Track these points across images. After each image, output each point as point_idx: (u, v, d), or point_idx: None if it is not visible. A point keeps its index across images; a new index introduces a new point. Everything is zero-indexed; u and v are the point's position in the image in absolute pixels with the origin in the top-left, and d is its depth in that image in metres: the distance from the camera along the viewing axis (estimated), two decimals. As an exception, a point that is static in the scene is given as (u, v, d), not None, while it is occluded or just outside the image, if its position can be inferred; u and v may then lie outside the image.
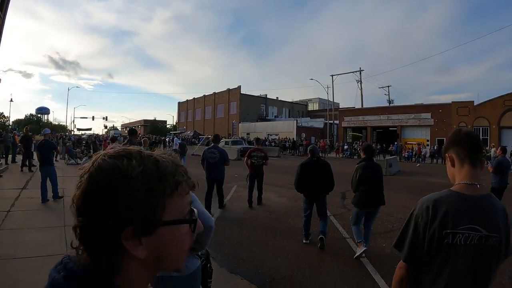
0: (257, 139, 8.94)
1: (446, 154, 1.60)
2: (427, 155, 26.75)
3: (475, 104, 29.43)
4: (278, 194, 9.79)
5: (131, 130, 8.03)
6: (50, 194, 7.90)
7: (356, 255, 4.74)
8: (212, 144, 7.60)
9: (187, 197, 0.61)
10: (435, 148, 27.44)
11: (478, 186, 1.47)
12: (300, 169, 5.37)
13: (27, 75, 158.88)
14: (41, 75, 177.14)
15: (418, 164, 23.98)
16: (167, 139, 40.08)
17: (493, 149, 21.64)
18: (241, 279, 4.06)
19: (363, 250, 4.67)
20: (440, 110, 30.99)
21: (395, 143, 31.03)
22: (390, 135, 34.83)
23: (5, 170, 12.40)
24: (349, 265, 4.59)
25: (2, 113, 52.22)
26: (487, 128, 28.39)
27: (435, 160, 26.01)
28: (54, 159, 8.51)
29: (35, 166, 13.10)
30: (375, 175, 4.83)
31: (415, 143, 29.87)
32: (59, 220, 6.10)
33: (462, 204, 1.43)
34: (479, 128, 28.62)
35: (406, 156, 27.80)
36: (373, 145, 21.11)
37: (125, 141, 8.46)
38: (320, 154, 8.33)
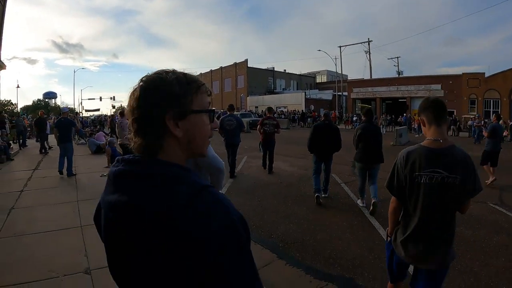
0: (270, 108, 9.24)
1: (419, 118, 2.05)
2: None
3: (486, 76, 28.33)
4: (288, 164, 9.84)
5: None
6: (64, 173, 8.07)
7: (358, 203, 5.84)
8: (228, 113, 8.21)
9: (207, 97, 0.85)
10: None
11: (441, 141, 1.92)
12: (313, 129, 6.08)
13: (31, 61, 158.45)
14: (46, 60, 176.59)
15: (417, 135, 23.07)
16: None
17: (500, 121, 21.02)
18: (254, 244, 4.04)
19: (361, 204, 5.71)
20: (451, 82, 30.00)
21: (404, 114, 30.39)
22: (399, 107, 34.03)
23: (16, 154, 12.56)
24: (361, 230, 4.62)
25: (10, 100, 52.38)
26: (498, 101, 27.34)
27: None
28: (72, 136, 8.65)
29: (47, 148, 13.28)
30: (373, 135, 5.51)
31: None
32: (72, 196, 6.17)
33: (427, 154, 1.92)
34: (490, 101, 27.69)
35: (415, 127, 27.41)
36: (384, 116, 21.10)
37: None
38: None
